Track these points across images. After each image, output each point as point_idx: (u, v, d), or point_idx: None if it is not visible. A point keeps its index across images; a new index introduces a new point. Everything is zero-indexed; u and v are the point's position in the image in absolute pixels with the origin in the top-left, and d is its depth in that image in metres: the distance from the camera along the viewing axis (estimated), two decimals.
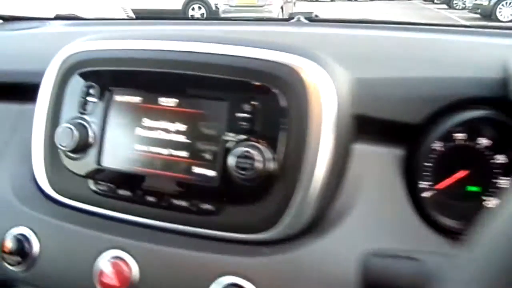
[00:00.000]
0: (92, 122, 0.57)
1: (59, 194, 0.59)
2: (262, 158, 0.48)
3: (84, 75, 0.59)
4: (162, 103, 0.55)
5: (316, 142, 0.49)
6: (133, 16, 3.63)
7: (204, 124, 0.53)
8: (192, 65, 0.53)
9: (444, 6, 12.96)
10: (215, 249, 0.49)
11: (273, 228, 0.49)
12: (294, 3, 12.81)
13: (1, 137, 0.67)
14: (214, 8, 9.67)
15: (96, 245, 0.51)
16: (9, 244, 0.53)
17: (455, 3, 12.69)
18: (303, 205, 0.49)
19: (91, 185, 0.57)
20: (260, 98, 0.50)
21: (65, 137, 0.56)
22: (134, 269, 0.49)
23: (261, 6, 9.30)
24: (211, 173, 0.52)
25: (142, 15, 4.21)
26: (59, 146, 0.57)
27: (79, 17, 1.44)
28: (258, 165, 0.48)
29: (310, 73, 0.50)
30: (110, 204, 0.56)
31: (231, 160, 0.49)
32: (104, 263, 0.49)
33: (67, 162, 0.58)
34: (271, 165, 0.49)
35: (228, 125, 0.51)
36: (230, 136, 0.51)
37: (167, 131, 0.54)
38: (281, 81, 0.50)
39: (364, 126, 0.53)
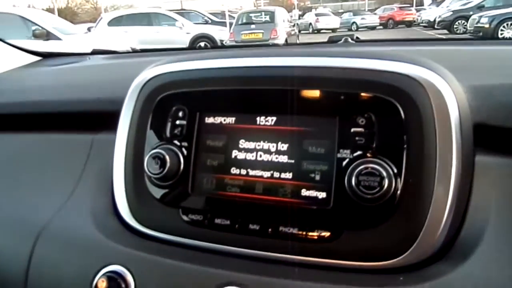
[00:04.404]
0: (183, 147, 0.53)
1: (145, 226, 0.54)
2: (388, 174, 0.44)
3: (169, 99, 0.56)
4: (260, 122, 0.51)
5: (446, 156, 0.44)
6: None
7: (310, 142, 0.49)
8: (295, 80, 0.50)
9: (445, 31, 13.15)
10: (342, 280, 0.43)
11: (406, 253, 0.44)
12: (298, 36, 13.12)
13: (74, 169, 0.63)
14: (220, 44, 9.88)
15: (208, 282, 0.45)
16: (103, 284, 0.48)
17: (456, 28, 12.84)
18: (438, 226, 0.43)
19: (183, 215, 0.52)
20: (376, 111, 0.46)
21: (156, 164, 0.52)
22: None
23: (267, 40, 9.53)
24: (322, 194, 0.47)
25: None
26: (150, 174, 0.52)
27: (115, 51, 1.43)
28: (386, 182, 0.43)
29: (431, 82, 0.46)
30: (207, 235, 0.51)
31: (352, 179, 0.44)
32: None
33: (155, 191, 0.54)
34: (398, 182, 0.44)
35: (341, 141, 0.47)
36: (344, 153, 0.47)
37: (267, 152, 0.50)
38: (400, 92, 0.46)
39: (484, 137, 0.49)
